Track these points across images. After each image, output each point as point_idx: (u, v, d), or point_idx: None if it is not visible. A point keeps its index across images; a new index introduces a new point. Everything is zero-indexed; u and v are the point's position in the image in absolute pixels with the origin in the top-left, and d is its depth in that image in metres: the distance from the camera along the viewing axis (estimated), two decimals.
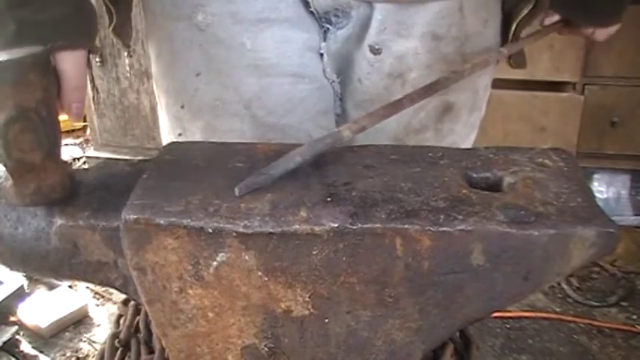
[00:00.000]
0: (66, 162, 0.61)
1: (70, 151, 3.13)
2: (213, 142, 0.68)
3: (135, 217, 0.53)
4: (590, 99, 2.30)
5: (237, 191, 0.56)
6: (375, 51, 0.79)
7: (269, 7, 0.76)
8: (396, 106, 0.67)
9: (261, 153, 0.63)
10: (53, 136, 0.58)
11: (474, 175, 0.59)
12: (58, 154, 0.59)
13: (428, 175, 0.59)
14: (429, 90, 0.70)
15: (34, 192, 0.57)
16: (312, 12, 0.77)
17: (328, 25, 0.79)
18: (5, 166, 0.56)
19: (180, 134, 0.88)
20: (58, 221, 0.58)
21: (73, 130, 3.34)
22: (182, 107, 0.85)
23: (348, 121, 0.84)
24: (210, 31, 0.78)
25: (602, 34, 0.92)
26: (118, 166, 0.66)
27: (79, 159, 3.07)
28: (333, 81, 0.83)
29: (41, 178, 0.57)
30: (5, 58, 0.53)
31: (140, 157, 0.69)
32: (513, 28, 0.86)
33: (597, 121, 2.33)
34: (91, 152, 2.95)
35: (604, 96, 2.31)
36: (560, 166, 0.60)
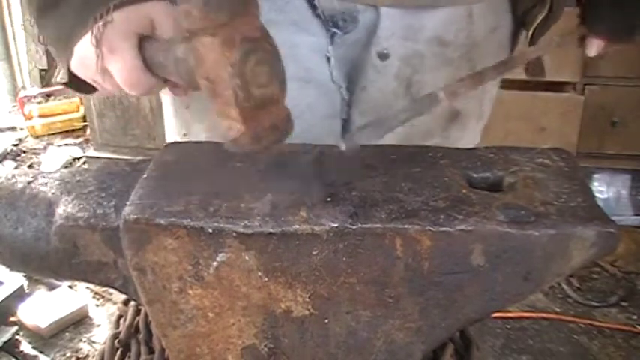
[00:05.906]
0: None
1: (70, 151, 3.13)
2: (213, 142, 0.68)
3: (135, 217, 0.53)
4: (590, 99, 2.30)
5: (343, 145, 0.56)
6: (383, 56, 0.79)
7: (275, 8, 0.76)
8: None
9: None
10: (282, 63, 0.53)
11: (474, 175, 0.59)
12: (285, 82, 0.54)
13: (428, 175, 0.59)
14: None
15: (271, 130, 0.51)
16: (318, 15, 0.77)
17: (335, 29, 0.78)
18: (241, 107, 0.50)
19: (185, 134, 0.88)
20: (58, 221, 0.58)
21: (73, 130, 3.34)
22: (187, 108, 0.85)
23: (355, 126, 0.84)
24: None
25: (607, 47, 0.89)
26: (118, 166, 0.66)
27: (79, 159, 3.06)
28: (341, 86, 0.82)
29: (273, 112, 0.51)
30: None
31: (140, 157, 0.68)
32: (530, 34, 0.83)
33: (597, 121, 2.33)
34: (91, 152, 2.95)
35: (604, 96, 2.31)
36: (560, 166, 0.60)
